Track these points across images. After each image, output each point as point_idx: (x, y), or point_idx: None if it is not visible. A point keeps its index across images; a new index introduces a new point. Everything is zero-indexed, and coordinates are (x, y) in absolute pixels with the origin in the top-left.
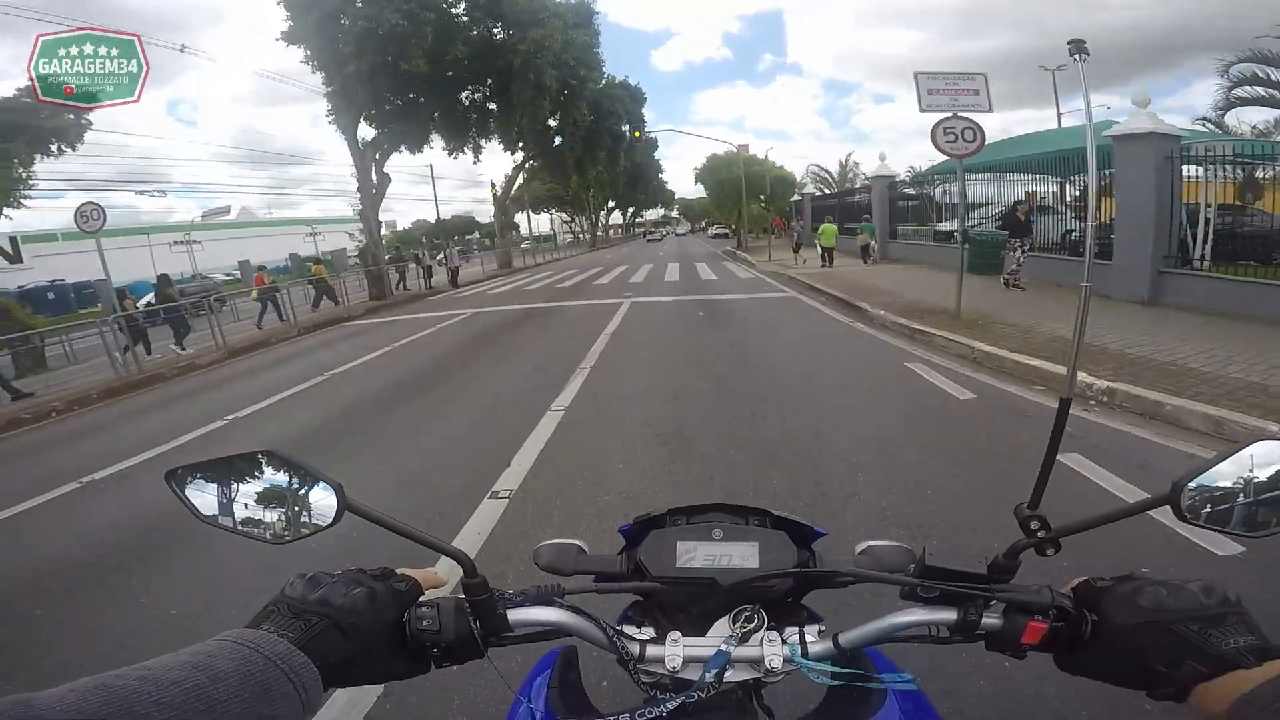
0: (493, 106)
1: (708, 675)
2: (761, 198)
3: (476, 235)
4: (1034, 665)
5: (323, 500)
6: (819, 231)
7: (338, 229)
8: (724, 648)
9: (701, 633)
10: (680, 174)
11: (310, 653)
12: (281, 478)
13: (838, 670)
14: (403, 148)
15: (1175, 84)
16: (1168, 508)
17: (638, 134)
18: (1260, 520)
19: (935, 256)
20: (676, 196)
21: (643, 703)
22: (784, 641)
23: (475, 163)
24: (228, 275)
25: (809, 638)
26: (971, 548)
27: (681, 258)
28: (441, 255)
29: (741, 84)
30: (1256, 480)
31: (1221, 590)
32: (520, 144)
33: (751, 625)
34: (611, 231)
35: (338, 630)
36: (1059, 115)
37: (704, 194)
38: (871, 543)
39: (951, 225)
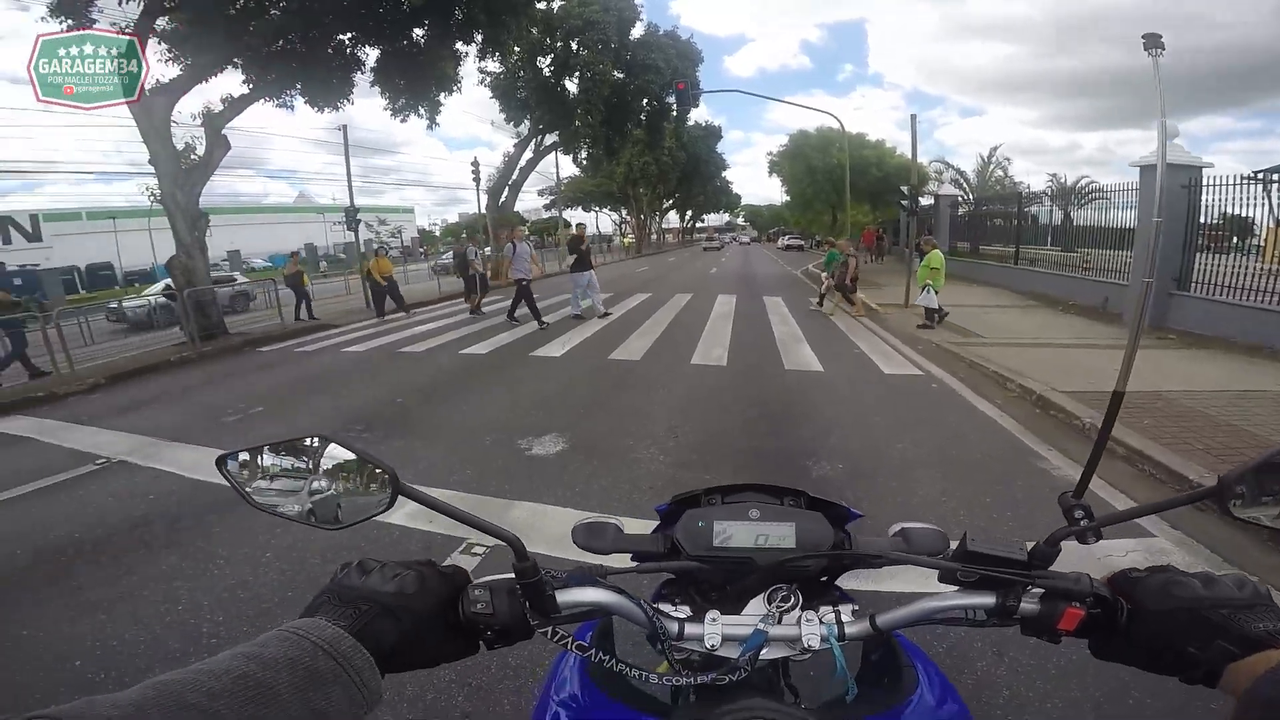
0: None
1: (744, 654)
2: (905, 190)
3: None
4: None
5: (376, 485)
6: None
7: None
8: (761, 626)
9: (736, 611)
10: (747, 179)
11: (362, 639)
12: (334, 463)
13: (871, 653)
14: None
15: None
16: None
17: (681, 86)
18: None
19: None
20: (743, 202)
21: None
22: (820, 621)
23: (430, 127)
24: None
25: (845, 618)
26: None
27: (741, 283)
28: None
29: (819, 93)
30: None
31: (1253, 584)
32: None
33: (787, 604)
34: (669, 236)
35: (389, 615)
36: None
37: (780, 191)
38: (906, 525)
39: None
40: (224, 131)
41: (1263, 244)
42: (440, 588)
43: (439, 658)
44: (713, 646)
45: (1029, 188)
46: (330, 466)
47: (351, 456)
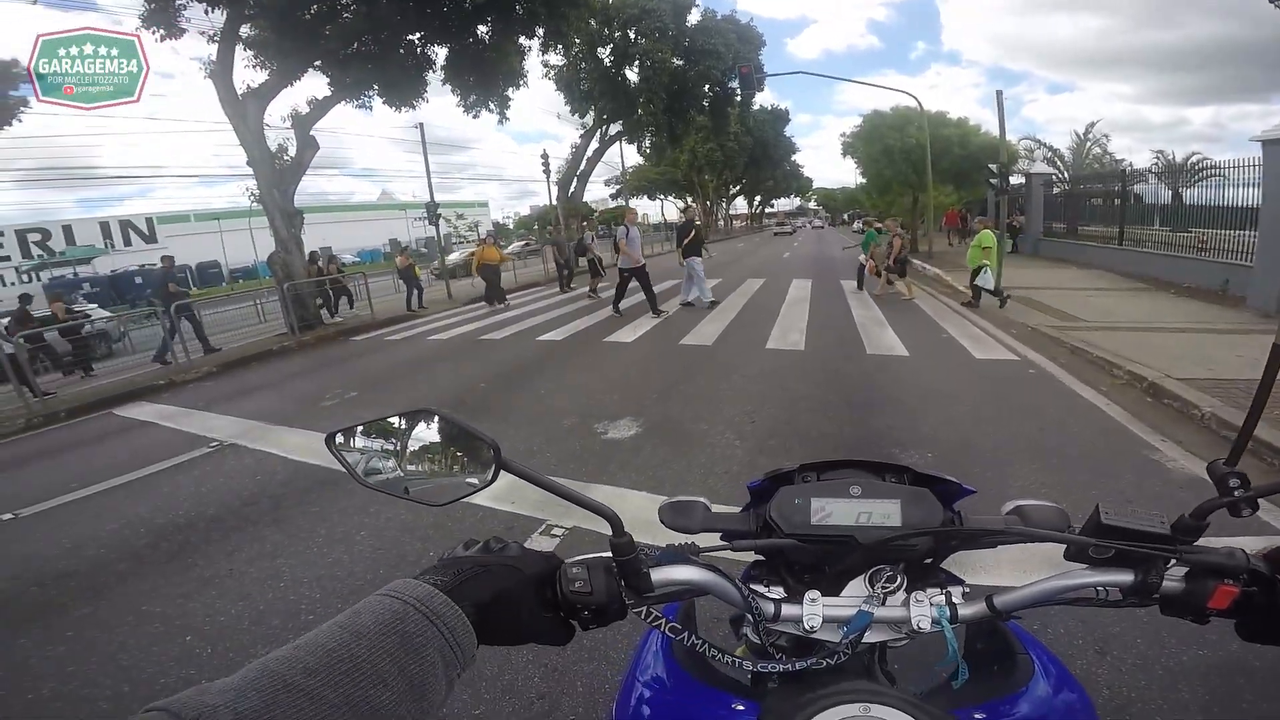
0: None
1: (846, 636)
2: (993, 168)
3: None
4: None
5: (479, 459)
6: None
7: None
8: (866, 608)
9: (834, 593)
10: (819, 162)
11: (457, 597)
12: (439, 437)
13: (977, 641)
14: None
15: None
16: None
17: (745, 70)
18: None
19: None
20: (815, 185)
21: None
22: (930, 602)
23: (501, 122)
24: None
25: (955, 599)
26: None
27: (817, 267)
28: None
29: (891, 73)
30: None
31: None
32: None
33: (892, 586)
34: (737, 221)
35: (487, 572)
36: None
37: (855, 173)
38: (1021, 502)
39: None
40: (311, 133)
41: None
42: (539, 562)
43: (533, 633)
44: (812, 628)
45: (1131, 165)
46: (434, 440)
47: (455, 429)
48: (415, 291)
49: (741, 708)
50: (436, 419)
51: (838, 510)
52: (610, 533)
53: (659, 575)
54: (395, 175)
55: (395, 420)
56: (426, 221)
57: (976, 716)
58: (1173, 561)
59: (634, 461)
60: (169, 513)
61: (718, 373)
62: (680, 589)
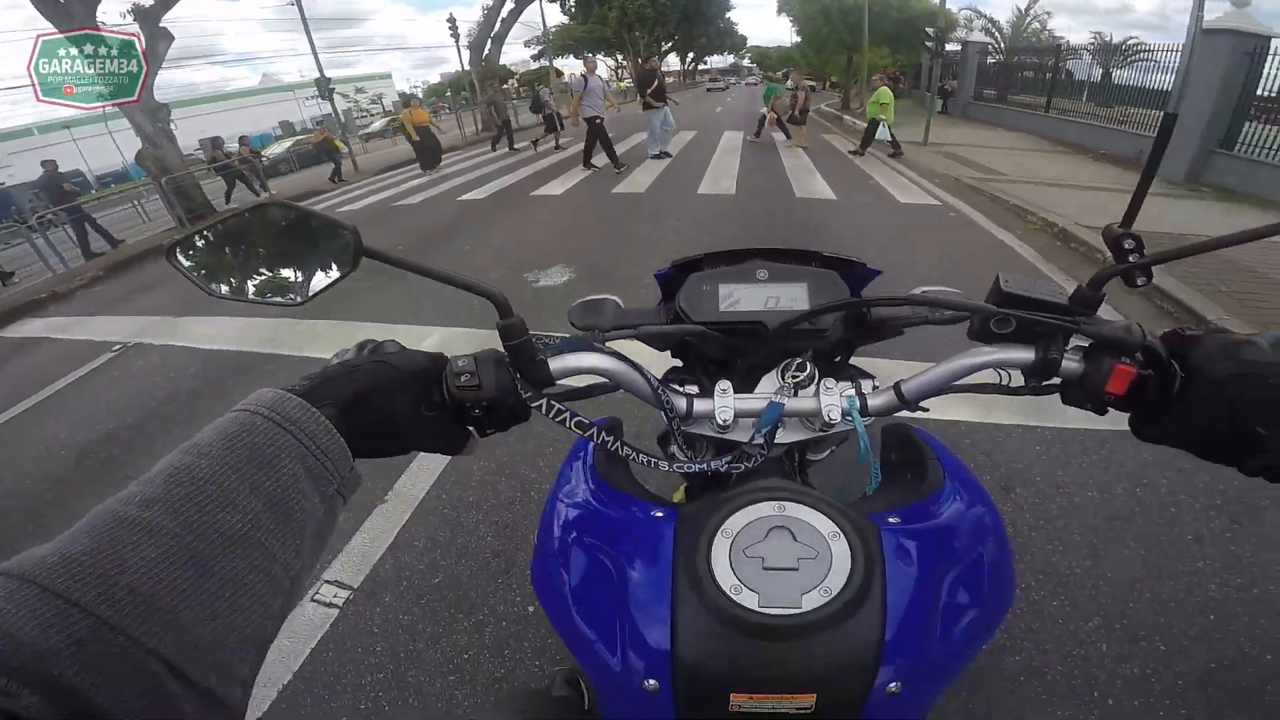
0: None
1: (760, 430)
2: (930, 32)
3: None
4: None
5: (336, 248)
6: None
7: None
8: (776, 399)
9: (748, 390)
10: (754, 22)
11: (315, 399)
12: (290, 232)
13: (891, 452)
14: None
15: None
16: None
17: None
18: None
19: None
20: (749, 44)
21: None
22: (840, 394)
23: None
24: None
25: (866, 390)
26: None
27: (748, 122)
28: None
29: None
30: None
31: None
32: None
33: (802, 375)
34: (670, 79)
35: (356, 372)
36: None
37: (791, 32)
38: (927, 289)
39: None
40: (162, 25)
41: None
42: (419, 359)
43: (415, 436)
44: (725, 421)
45: (1068, 42)
46: (286, 236)
47: (309, 219)
48: (338, 166)
49: (660, 514)
50: (286, 210)
51: (746, 296)
52: (497, 316)
53: (558, 364)
54: (277, 56)
55: (240, 216)
56: (319, 98)
57: (890, 520)
58: (1073, 340)
59: (568, 306)
60: (87, 428)
61: (651, 219)
62: (586, 385)
